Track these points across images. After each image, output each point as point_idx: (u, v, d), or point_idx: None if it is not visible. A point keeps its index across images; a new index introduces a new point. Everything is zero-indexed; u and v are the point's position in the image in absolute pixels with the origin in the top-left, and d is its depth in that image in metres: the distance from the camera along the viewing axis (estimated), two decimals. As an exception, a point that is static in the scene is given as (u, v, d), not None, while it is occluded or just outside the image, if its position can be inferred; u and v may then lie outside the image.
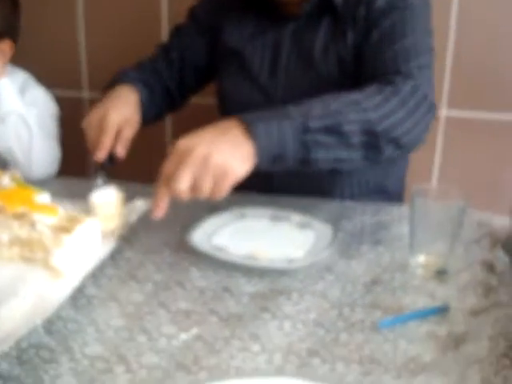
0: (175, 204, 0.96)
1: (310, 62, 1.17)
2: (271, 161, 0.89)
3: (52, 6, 1.78)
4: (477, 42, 1.54)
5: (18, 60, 1.43)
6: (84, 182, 1.23)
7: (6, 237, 0.83)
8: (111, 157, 1.06)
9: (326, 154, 0.93)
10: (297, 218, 1.04)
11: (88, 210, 0.94)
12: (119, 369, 0.68)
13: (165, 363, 0.70)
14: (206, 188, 0.84)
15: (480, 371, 0.68)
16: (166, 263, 0.93)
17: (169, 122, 1.79)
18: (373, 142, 0.95)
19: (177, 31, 1.35)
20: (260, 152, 0.87)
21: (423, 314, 0.79)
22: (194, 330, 0.76)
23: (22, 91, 1.35)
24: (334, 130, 0.92)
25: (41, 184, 1.04)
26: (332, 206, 1.12)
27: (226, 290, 0.86)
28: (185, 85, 1.34)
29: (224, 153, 0.84)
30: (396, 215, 1.10)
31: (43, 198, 0.94)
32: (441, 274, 0.89)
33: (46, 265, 0.81)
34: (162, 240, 1.00)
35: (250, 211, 1.07)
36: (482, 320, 0.78)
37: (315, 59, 1.16)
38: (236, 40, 1.25)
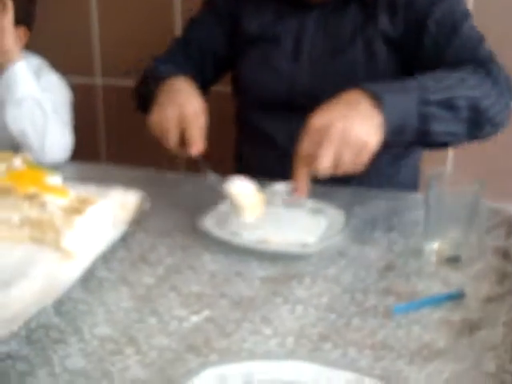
0: (189, 188, 0.95)
1: (337, 49, 1.16)
2: (393, 132, 0.90)
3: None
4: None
5: (32, 46, 1.43)
6: (96, 167, 1.23)
7: (16, 217, 0.83)
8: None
9: (441, 127, 0.95)
10: (309, 203, 1.03)
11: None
12: (129, 350, 0.68)
13: (175, 345, 0.69)
14: (348, 163, 0.86)
15: (494, 358, 0.67)
16: (177, 247, 0.92)
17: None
18: (477, 118, 0.98)
19: (193, 23, 1.33)
20: (386, 123, 0.89)
21: (438, 300, 0.78)
22: (205, 313, 0.75)
23: (37, 76, 1.35)
24: (449, 104, 0.95)
25: (53, 168, 1.03)
26: (345, 192, 1.11)
27: (238, 274, 0.85)
28: (204, 78, 1.28)
29: (360, 126, 0.86)
30: (410, 202, 1.09)
31: (54, 179, 0.94)
32: (455, 260, 0.88)
33: (57, 246, 0.81)
34: (175, 223, 0.99)
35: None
36: (496, 307, 0.77)
37: (343, 45, 1.16)
38: (256, 27, 1.23)
